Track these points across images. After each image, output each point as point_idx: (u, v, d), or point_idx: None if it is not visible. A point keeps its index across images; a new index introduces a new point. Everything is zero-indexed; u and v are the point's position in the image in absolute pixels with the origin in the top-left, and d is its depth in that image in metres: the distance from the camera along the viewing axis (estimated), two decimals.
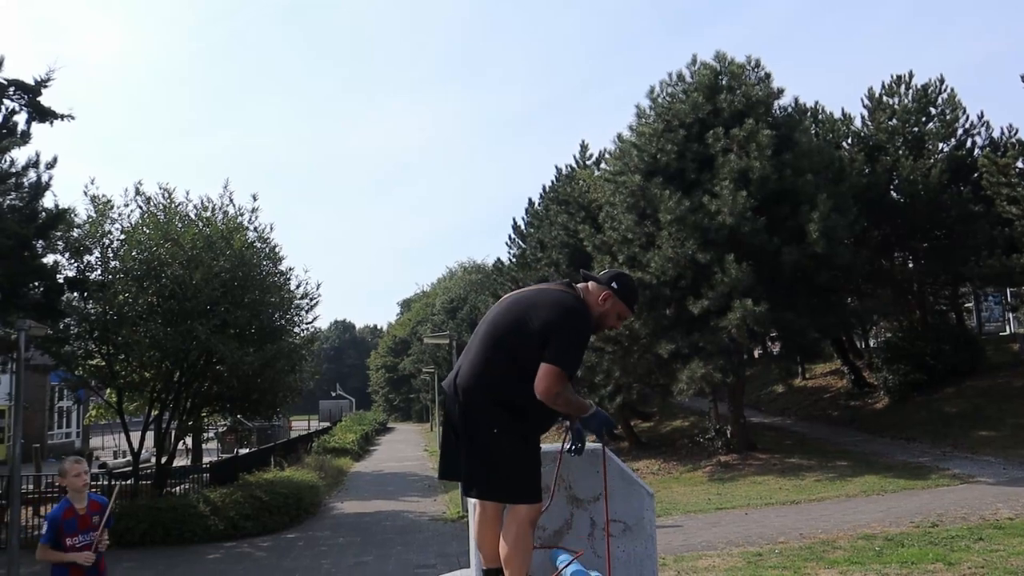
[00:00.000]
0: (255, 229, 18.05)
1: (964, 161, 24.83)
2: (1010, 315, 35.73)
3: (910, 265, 27.80)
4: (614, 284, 3.45)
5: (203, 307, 15.51)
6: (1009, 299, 31.56)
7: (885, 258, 26.89)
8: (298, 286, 19.22)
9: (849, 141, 26.47)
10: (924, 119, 25.70)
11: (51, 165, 14.22)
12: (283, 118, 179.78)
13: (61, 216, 14.28)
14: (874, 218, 24.05)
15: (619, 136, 23.76)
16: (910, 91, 25.93)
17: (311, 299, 19.27)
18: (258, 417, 24.25)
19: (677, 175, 21.12)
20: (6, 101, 14.12)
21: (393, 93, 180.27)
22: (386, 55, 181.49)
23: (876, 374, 27.19)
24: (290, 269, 19.26)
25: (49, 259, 15.04)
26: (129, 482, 16.35)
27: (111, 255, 16.29)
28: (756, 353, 31.63)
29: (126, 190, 17.30)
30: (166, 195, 17.15)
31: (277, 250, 18.91)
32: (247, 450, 29.26)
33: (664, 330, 21.29)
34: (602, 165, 28.94)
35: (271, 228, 18.52)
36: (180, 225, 16.62)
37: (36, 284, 14.28)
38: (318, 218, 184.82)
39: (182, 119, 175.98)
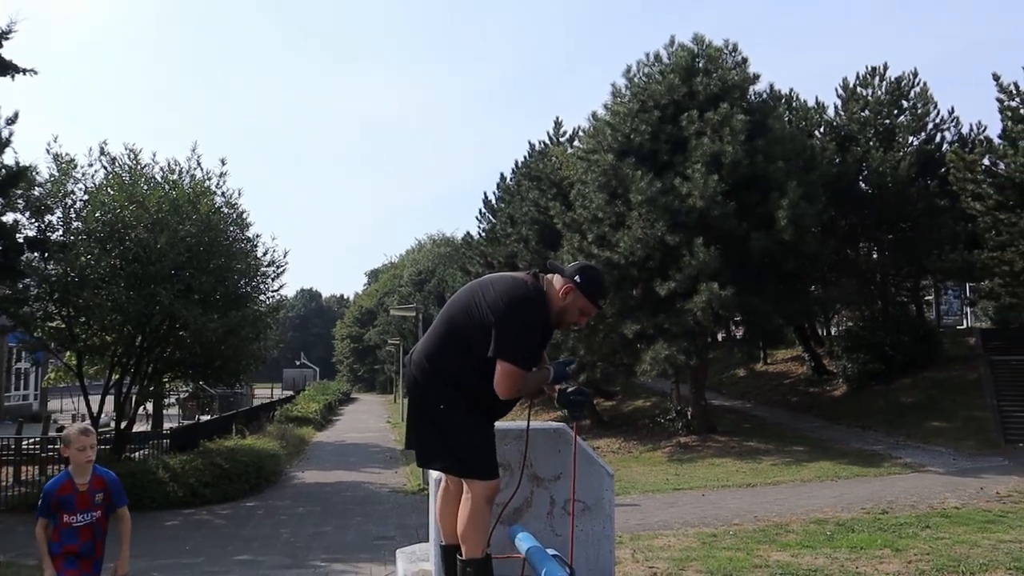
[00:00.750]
0: (223, 194, 17.79)
1: (932, 155, 25.19)
2: (967, 309, 36.49)
3: (874, 256, 28.20)
4: (577, 278, 3.31)
5: (167, 271, 15.28)
6: (968, 294, 32.20)
7: (851, 248, 27.26)
8: (265, 253, 19.04)
9: (821, 130, 26.70)
10: (896, 112, 26.00)
11: (12, 121, 13.84)
12: (258, 85, 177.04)
13: (22, 174, 13.93)
14: (842, 208, 24.36)
15: (594, 114, 23.76)
16: (884, 83, 26.19)
17: (278, 267, 19.10)
18: (221, 384, 24.11)
19: (650, 156, 21.16)
20: None
21: (370, 64, 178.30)
22: (363, 25, 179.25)
23: (836, 362, 27.65)
24: (257, 236, 19.08)
25: (8, 218, 14.72)
26: None
27: (73, 216, 15.96)
28: (719, 337, 32.03)
29: (90, 150, 17.01)
30: (132, 156, 16.82)
31: (244, 216, 18.68)
32: (208, 417, 29.04)
33: (630, 310, 21.42)
34: (575, 143, 28.92)
35: (239, 194, 18.29)
36: (146, 187, 16.32)
37: None
38: (285, 185, 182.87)
39: (153, 83, 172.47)
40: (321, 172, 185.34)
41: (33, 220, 15.38)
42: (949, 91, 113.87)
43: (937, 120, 26.02)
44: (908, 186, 24.03)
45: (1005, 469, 15.56)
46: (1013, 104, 20.83)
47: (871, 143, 25.21)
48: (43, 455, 16.03)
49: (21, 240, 14.77)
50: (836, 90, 27.40)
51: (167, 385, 21.50)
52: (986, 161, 21.71)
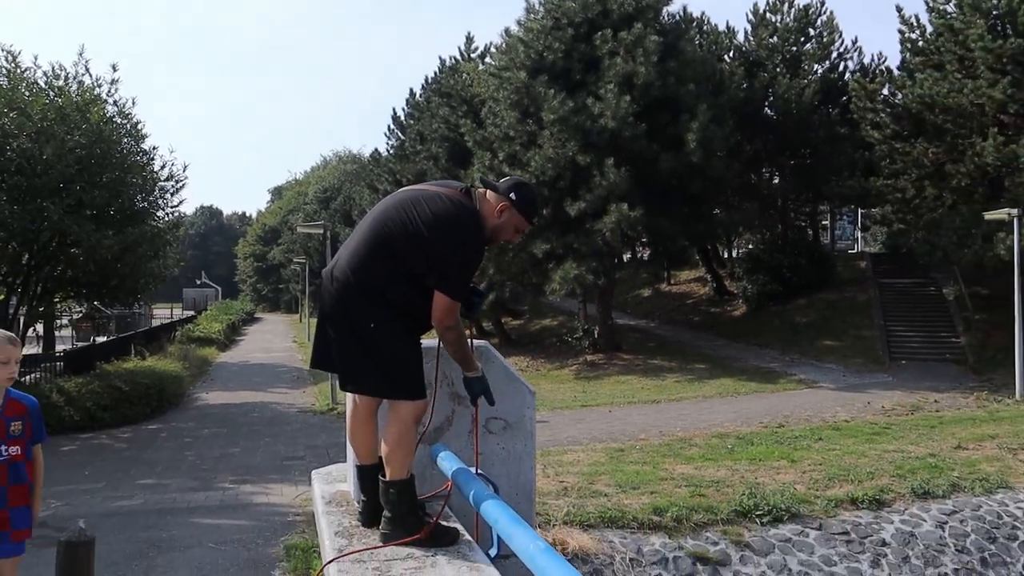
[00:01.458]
0: (115, 103, 16.67)
1: (835, 84, 25.79)
2: (859, 234, 38.16)
3: (775, 181, 28.99)
4: (513, 195, 3.26)
5: (55, 185, 14.33)
6: (862, 219, 33.59)
7: (754, 173, 27.89)
8: (163, 167, 18.06)
9: (731, 55, 26.93)
10: (803, 39, 26.40)
11: None
12: None
13: None
14: (747, 133, 24.80)
15: (507, 30, 23.31)
16: (792, 10, 26.47)
17: (177, 181, 18.15)
18: (117, 304, 23.15)
19: (563, 75, 20.95)
20: None
21: None
22: None
23: (736, 283, 28.57)
24: (154, 148, 17.99)
25: None
26: None
27: None
28: (625, 257, 32.62)
29: None
30: (10, 59, 15.50)
31: (140, 127, 17.62)
32: (105, 338, 27.99)
33: (540, 230, 21.45)
34: (487, 59, 28.34)
35: (133, 103, 17.16)
36: (27, 93, 15.10)
37: None
38: (182, 97, 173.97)
39: None
40: (211, 83, 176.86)
41: None
42: (854, 21, 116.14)
43: (841, 49, 26.61)
44: (811, 113, 24.62)
45: (889, 384, 16.55)
46: (913, 36, 21.36)
47: (778, 69, 25.59)
48: None
49: None
50: (746, 15, 27.61)
51: (59, 305, 20.48)
52: (885, 91, 22.35)
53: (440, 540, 3.02)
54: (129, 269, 16.13)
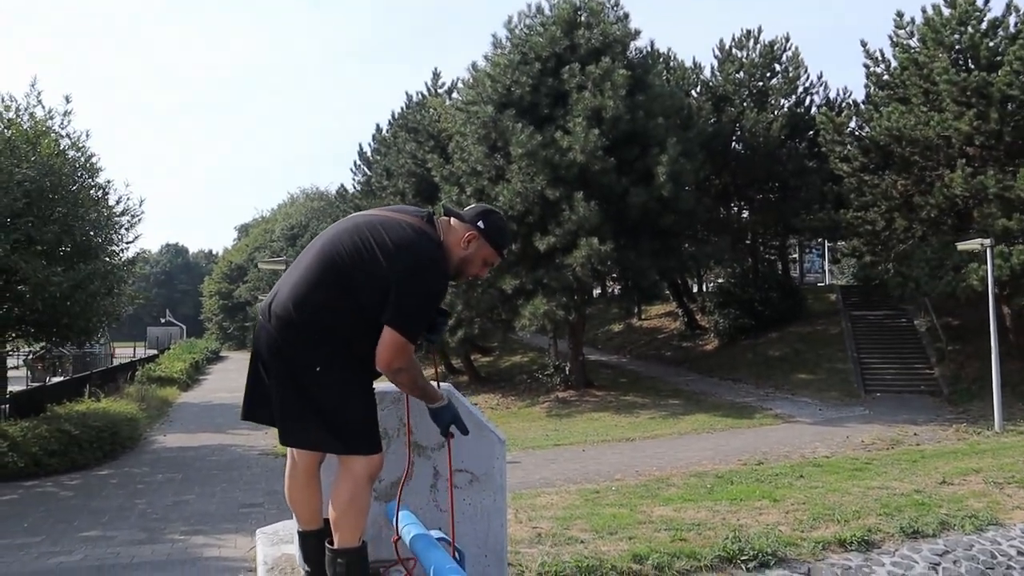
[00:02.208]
0: (67, 135, 16.14)
1: (802, 118, 25.99)
2: (828, 267, 38.33)
3: (744, 215, 29.01)
4: (481, 223, 2.87)
5: (2, 220, 13.73)
6: (827, 253, 33.73)
7: (723, 207, 27.89)
8: (118, 201, 17.48)
9: (698, 90, 27.02)
10: (769, 74, 26.57)
11: None
12: (107, 22, 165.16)
13: None
14: (716, 167, 24.80)
15: (474, 65, 23.21)
16: (758, 45, 26.69)
17: (133, 216, 17.57)
18: (70, 343, 22.32)
19: (530, 109, 20.77)
20: None
21: (229, 7, 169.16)
22: None
23: (708, 317, 28.41)
24: (108, 182, 17.45)
25: None
26: None
27: None
28: (595, 292, 32.35)
29: None
30: None
31: (94, 161, 17.06)
32: (60, 379, 27.00)
33: (509, 265, 21.13)
34: (454, 94, 28.20)
35: (87, 135, 16.61)
36: None
37: None
38: (148, 137, 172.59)
39: None
40: (178, 123, 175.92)
41: None
42: (818, 56, 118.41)
43: (807, 84, 26.87)
44: (779, 147, 24.69)
45: (867, 418, 16.27)
46: (878, 70, 21.55)
47: (745, 104, 25.70)
48: None
49: None
50: (713, 50, 27.81)
51: (7, 346, 19.65)
52: (853, 124, 22.46)
53: None
54: (80, 307, 15.41)
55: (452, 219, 2.94)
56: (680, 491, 9.65)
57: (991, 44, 18.56)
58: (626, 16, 22.17)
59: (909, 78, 19.53)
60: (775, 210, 26.36)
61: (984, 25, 18.80)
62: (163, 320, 77.36)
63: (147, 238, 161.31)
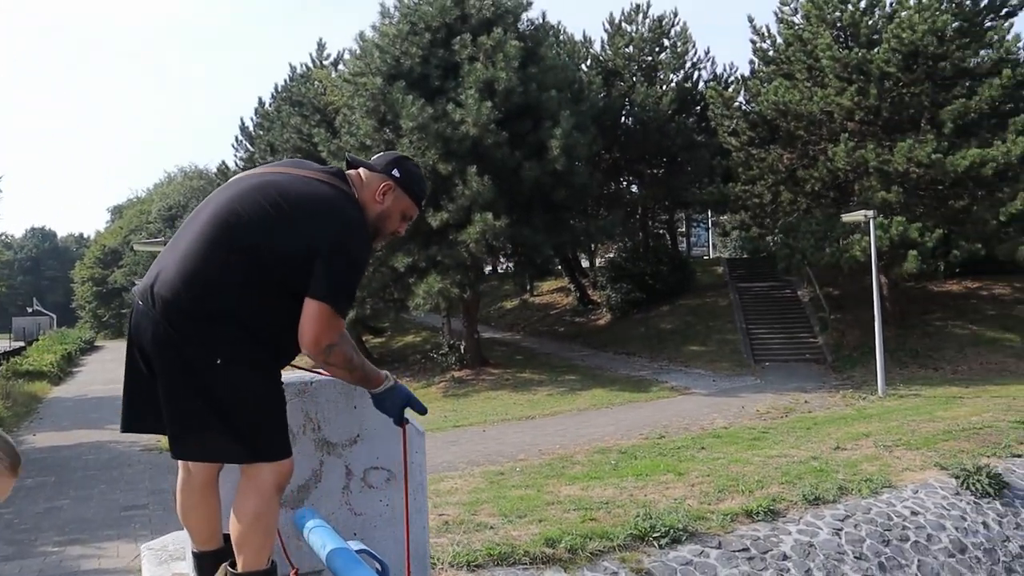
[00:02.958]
0: None
1: (690, 93, 26.31)
2: (712, 240, 39.35)
3: (634, 189, 29.27)
4: (396, 172, 2.48)
5: None
6: (715, 226, 34.53)
7: (614, 181, 28.03)
8: None
9: (588, 64, 26.97)
10: (658, 49, 26.76)
11: None
12: None
13: None
14: (607, 142, 24.82)
15: (361, 35, 22.29)
16: (647, 20, 26.83)
17: None
18: None
19: (421, 81, 20.16)
20: None
21: None
22: None
23: (600, 292, 28.58)
24: None
25: None
26: None
27: None
28: (486, 269, 32.11)
29: None
30: None
31: None
32: None
33: (401, 242, 20.51)
34: (340, 66, 27.21)
35: None
36: None
37: None
38: (9, 108, 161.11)
39: None
40: (44, 94, 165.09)
41: None
42: (705, 32, 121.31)
43: (695, 59, 27.20)
44: (668, 122, 24.91)
45: (758, 387, 16.63)
46: (764, 46, 21.97)
47: (635, 79, 25.80)
48: None
49: None
50: (603, 24, 27.78)
51: None
52: (740, 99, 22.87)
53: None
54: None
55: (362, 170, 2.51)
56: (585, 468, 9.48)
57: (870, 22, 19.15)
58: None
59: (794, 54, 19.97)
60: (664, 184, 26.66)
61: (863, 3, 19.37)
62: (30, 309, 72.82)
63: (8, 222, 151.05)
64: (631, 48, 26.52)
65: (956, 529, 8.24)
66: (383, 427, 2.73)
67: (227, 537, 2.38)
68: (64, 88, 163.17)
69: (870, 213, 15.34)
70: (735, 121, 21.80)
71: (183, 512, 2.53)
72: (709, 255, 39.47)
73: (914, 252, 17.19)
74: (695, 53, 26.97)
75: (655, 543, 6.90)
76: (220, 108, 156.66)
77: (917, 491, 8.63)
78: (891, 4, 19.35)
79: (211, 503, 2.47)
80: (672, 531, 7.06)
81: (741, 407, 14.12)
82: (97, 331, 76.35)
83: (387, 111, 20.48)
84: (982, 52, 18.46)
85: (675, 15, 26.80)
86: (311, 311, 2.22)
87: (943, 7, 17.97)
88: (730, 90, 23.26)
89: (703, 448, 10.46)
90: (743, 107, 22.69)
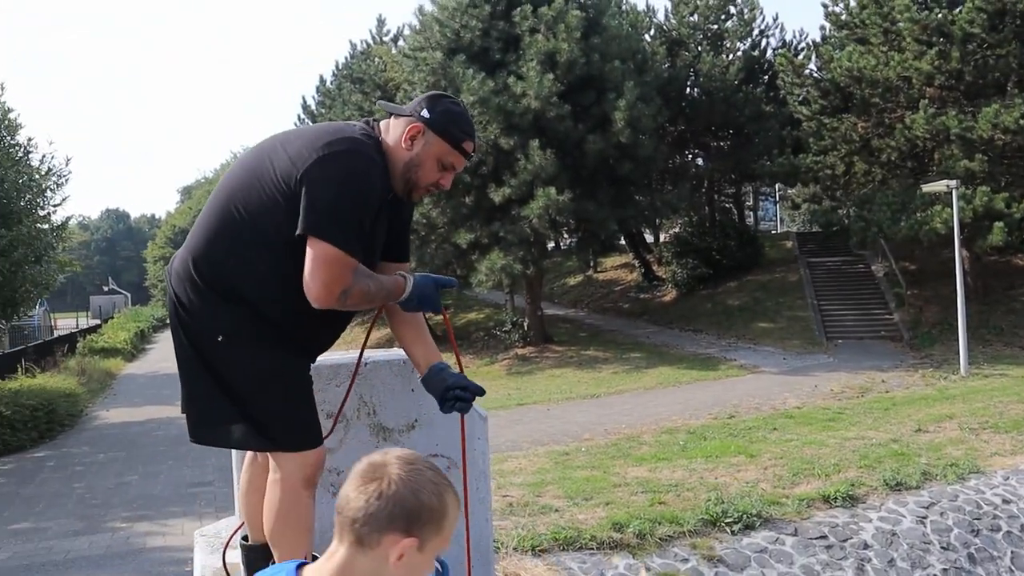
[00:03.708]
0: None
1: (758, 61, 25.46)
2: (781, 214, 38.29)
3: (700, 162, 28.56)
4: (425, 113, 2.17)
5: None
6: (777, 199, 33.55)
7: (680, 154, 27.39)
8: (41, 161, 16.30)
9: (651, 34, 26.29)
10: (724, 17, 25.95)
11: None
12: None
13: None
14: (672, 114, 24.18)
15: (420, 9, 22.13)
16: None
17: (59, 176, 16.42)
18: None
19: (481, 54, 19.90)
20: None
21: None
22: None
23: (665, 268, 28.03)
24: (30, 140, 16.27)
25: None
26: None
27: None
28: (549, 245, 31.80)
29: None
30: None
31: (14, 118, 15.86)
32: None
33: (463, 219, 20.42)
34: (400, 42, 27.09)
35: (2, 89, 15.43)
36: None
37: None
38: (83, 95, 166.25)
39: None
40: (115, 80, 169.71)
41: None
42: None
43: (763, 26, 26.30)
44: (736, 92, 24.13)
45: (831, 366, 16.06)
46: (837, 10, 21.04)
47: (700, 48, 25.07)
48: None
49: None
50: None
51: None
52: (811, 66, 22.01)
53: None
54: (4, 277, 14.35)
55: (392, 118, 2.25)
56: (653, 449, 9.22)
57: None
58: None
59: (869, 17, 19.04)
60: (731, 157, 25.91)
61: None
62: (106, 288, 75.31)
63: (86, 204, 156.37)
64: (696, 16, 25.77)
65: None
66: (442, 415, 2.53)
67: None
68: (141, 71, 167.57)
69: (953, 183, 14.57)
70: (806, 89, 20.98)
71: (243, 498, 2.42)
72: (777, 229, 38.45)
73: (1000, 223, 16.32)
74: (763, 20, 26.11)
75: (727, 529, 6.62)
76: (282, 87, 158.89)
77: (1008, 477, 8.15)
78: None
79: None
80: (745, 516, 6.76)
81: (814, 386, 13.63)
82: None
83: (447, 86, 20.25)
84: None
85: None
86: (311, 257, 1.99)
87: None
88: (800, 57, 22.39)
89: (775, 429, 10.09)
90: (814, 75, 21.81)
